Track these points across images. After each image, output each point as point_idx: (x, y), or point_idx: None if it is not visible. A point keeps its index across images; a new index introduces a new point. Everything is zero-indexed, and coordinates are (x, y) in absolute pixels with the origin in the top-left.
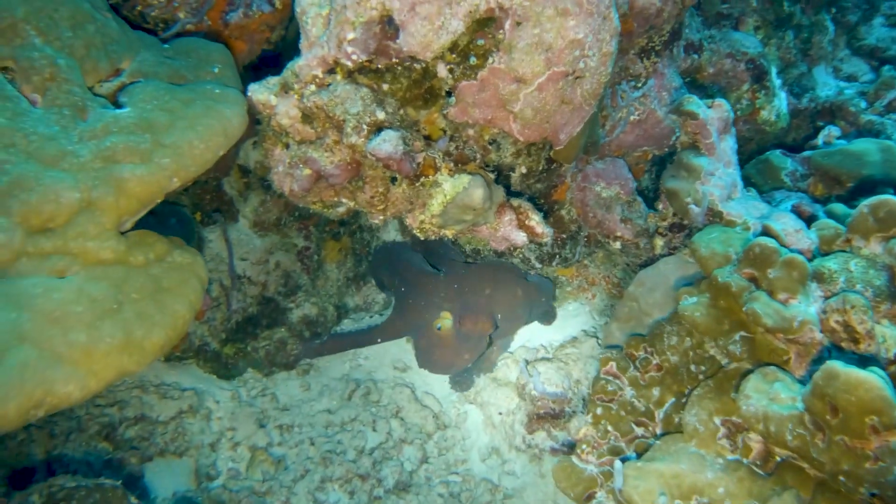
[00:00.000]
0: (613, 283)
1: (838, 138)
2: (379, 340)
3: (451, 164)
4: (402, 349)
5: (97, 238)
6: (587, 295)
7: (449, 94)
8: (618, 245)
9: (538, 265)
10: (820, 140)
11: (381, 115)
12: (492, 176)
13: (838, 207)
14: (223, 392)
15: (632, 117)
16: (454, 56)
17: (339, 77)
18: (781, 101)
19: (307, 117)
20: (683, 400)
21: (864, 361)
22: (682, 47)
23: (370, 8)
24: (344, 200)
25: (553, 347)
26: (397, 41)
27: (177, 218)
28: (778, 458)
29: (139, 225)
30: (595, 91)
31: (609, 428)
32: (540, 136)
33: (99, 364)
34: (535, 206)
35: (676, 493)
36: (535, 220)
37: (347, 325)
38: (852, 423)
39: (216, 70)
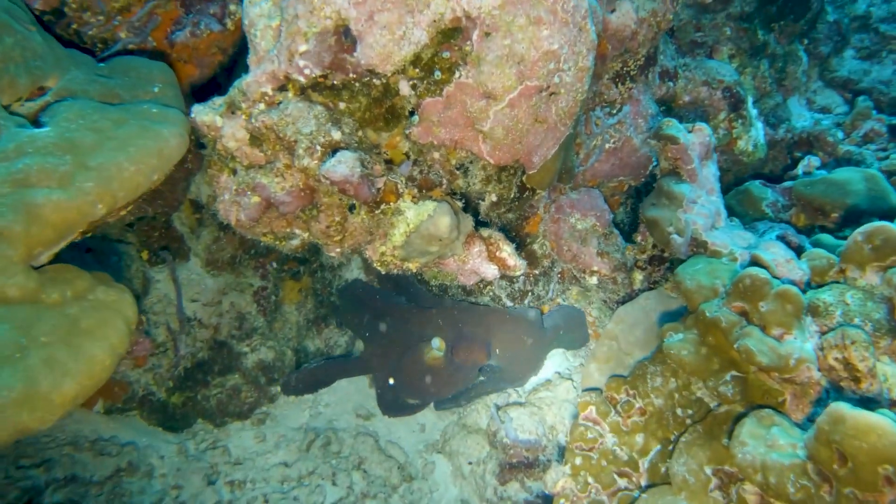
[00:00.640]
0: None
1: (818, 168)
2: (356, 373)
3: (415, 191)
4: (364, 395)
5: (1, 273)
6: None
7: (412, 113)
8: (594, 280)
9: (509, 303)
10: (800, 170)
11: (336, 135)
12: (459, 204)
13: (825, 238)
14: (168, 446)
15: (607, 145)
16: (417, 71)
17: (290, 94)
18: (758, 130)
19: (256, 139)
20: (670, 447)
21: (865, 403)
22: (658, 74)
23: (324, 17)
24: (297, 231)
25: (526, 391)
26: (354, 54)
27: (118, 256)
28: None
29: (69, 260)
30: (571, 109)
31: (589, 480)
32: (512, 159)
33: None
34: (506, 236)
35: None
36: (506, 251)
37: None
38: (863, 474)
39: (156, 90)
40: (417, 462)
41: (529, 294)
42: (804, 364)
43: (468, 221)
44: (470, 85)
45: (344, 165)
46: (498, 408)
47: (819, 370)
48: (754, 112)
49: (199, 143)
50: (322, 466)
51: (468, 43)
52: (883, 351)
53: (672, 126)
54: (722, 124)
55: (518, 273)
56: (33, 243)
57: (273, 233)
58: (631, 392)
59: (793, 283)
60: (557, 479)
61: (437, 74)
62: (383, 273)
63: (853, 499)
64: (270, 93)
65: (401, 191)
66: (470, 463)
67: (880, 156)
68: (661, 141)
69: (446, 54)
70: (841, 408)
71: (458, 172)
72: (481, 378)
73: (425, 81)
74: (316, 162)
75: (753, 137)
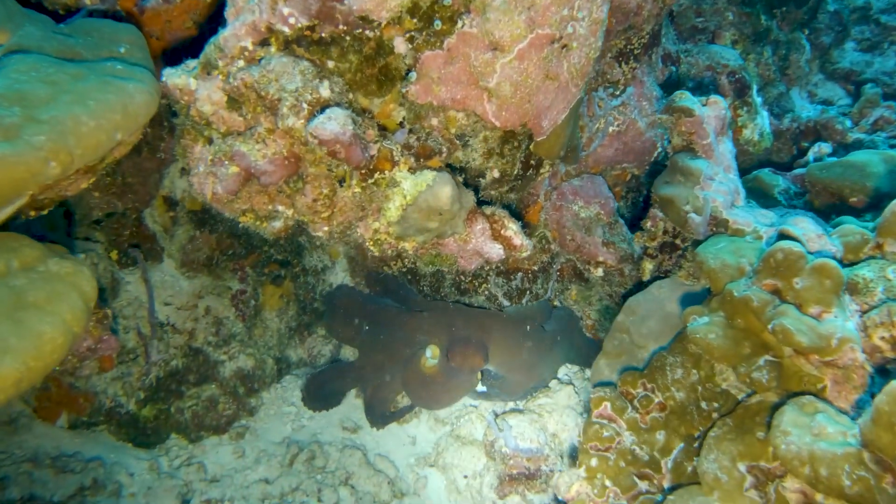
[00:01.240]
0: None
1: (829, 155)
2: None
3: (412, 160)
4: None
5: None
6: None
7: (409, 72)
8: (600, 272)
9: (506, 302)
10: (810, 157)
11: (325, 93)
12: (459, 179)
13: (849, 220)
14: (139, 462)
15: (611, 128)
16: (415, 21)
17: (273, 49)
18: (764, 119)
19: (234, 101)
20: (696, 444)
21: None
22: (661, 57)
23: None
24: (280, 209)
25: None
26: (345, 1)
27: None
28: None
29: None
30: (584, 68)
31: (607, 483)
32: (519, 121)
33: None
34: (511, 213)
35: None
36: (512, 228)
37: (289, 381)
38: None
39: (122, 50)
40: (409, 476)
41: (527, 293)
42: (848, 344)
43: (470, 196)
44: (474, 35)
45: (334, 122)
46: (496, 415)
47: (863, 352)
48: (759, 100)
49: (171, 112)
50: (307, 482)
51: None
52: None
53: (686, 98)
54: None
55: (525, 254)
56: None
57: (253, 210)
58: (649, 386)
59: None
60: (571, 482)
61: (438, 24)
62: (371, 275)
63: None
64: (251, 48)
65: (396, 159)
66: (466, 476)
67: (893, 144)
68: (674, 114)
69: (447, 1)
70: None
71: (457, 143)
72: (482, 388)
73: (424, 32)
74: (302, 121)
75: (759, 126)
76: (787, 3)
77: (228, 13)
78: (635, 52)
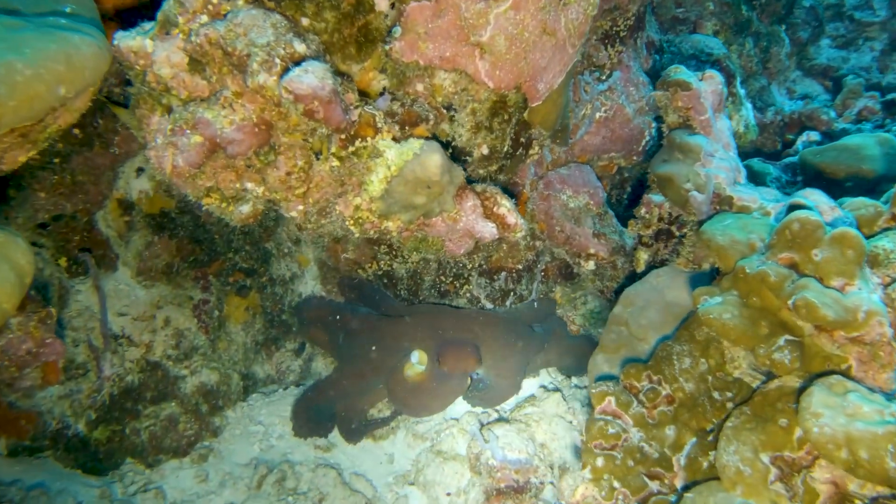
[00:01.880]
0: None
1: (817, 143)
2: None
3: (396, 128)
4: None
5: None
6: None
7: (393, 28)
8: (591, 265)
9: (489, 305)
10: (799, 145)
11: (300, 48)
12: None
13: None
14: (89, 490)
15: (598, 114)
16: None
17: (240, 2)
18: (748, 111)
19: (196, 63)
20: (710, 438)
21: None
22: (645, 44)
23: None
24: (250, 187)
25: (509, 408)
26: None
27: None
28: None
29: None
30: (581, 26)
31: (615, 484)
32: (514, 81)
33: None
34: (504, 191)
35: None
36: (505, 206)
37: (257, 399)
38: None
39: (68, 10)
40: (387, 496)
41: (511, 294)
42: (875, 318)
43: (459, 171)
44: None
45: (312, 75)
46: (481, 426)
47: (890, 326)
48: (743, 91)
49: (125, 81)
50: None
51: None
52: None
53: (681, 71)
54: None
55: (519, 234)
56: None
57: (219, 190)
58: (655, 378)
59: None
60: (576, 485)
61: None
62: (345, 280)
63: None
64: (215, 1)
65: (379, 125)
66: (448, 494)
67: None
68: (669, 88)
69: None
70: None
71: (444, 112)
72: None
73: None
74: (274, 78)
75: (744, 117)
76: None
77: None
78: (621, 34)
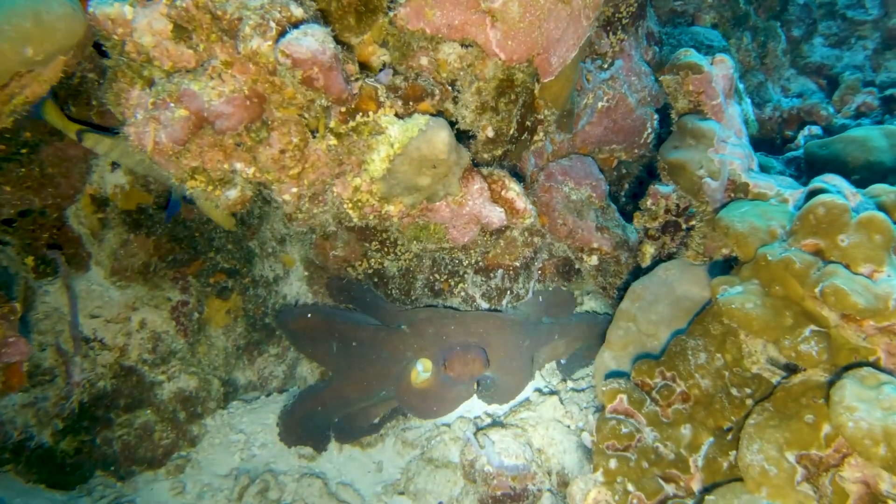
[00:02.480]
0: None
1: (819, 137)
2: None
3: (399, 103)
4: None
5: None
6: None
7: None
8: (594, 260)
9: (484, 304)
10: (801, 139)
11: (297, 12)
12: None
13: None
14: None
15: (600, 104)
16: None
17: None
18: (748, 106)
19: (182, 30)
20: (728, 437)
21: None
22: (645, 35)
23: None
24: (239, 167)
25: (502, 414)
26: None
27: None
28: None
29: None
30: None
31: (629, 487)
32: (527, 53)
33: None
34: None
35: None
36: (514, 189)
37: (237, 407)
38: None
39: None
40: None
41: (507, 293)
42: None
43: (465, 153)
44: None
45: (311, 38)
46: (476, 430)
47: None
48: (742, 86)
49: (101, 52)
50: None
51: None
52: None
53: (692, 54)
54: None
55: (528, 220)
56: None
57: (205, 171)
58: (668, 374)
59: None
60: (587, 489)
61: None
62: (334, 282)
63: None
64: None
65: (381, 99)
66: (441, 503)
67: None
68: (679, 72)
69: None
70: None
71: (450, 90)
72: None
73: None
74: (269, 43)
75: (745, 112)
76: None
77: None
78: (623, 21)
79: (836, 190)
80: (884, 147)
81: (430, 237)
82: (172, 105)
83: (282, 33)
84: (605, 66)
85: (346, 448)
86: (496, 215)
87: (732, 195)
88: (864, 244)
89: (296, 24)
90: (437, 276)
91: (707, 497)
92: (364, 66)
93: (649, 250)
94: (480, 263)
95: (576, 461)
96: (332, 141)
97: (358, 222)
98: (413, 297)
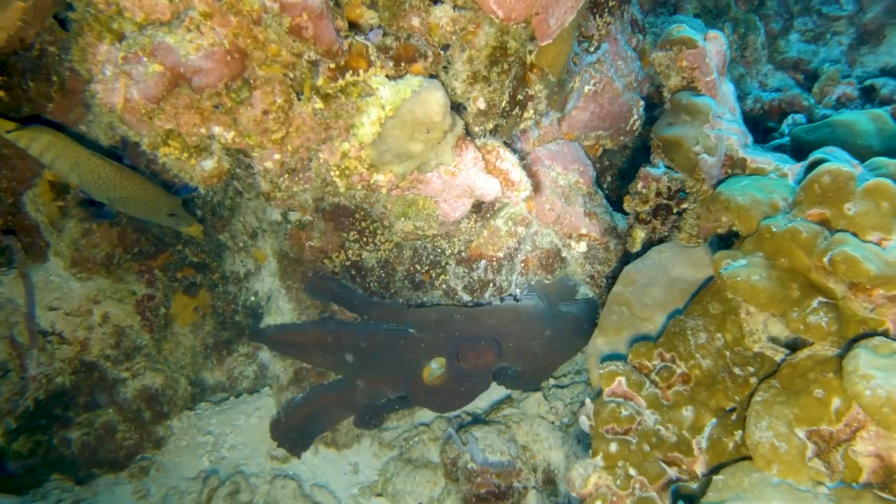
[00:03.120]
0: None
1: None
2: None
3: (390, 64)
4: None
5: None
6: None
7: None
8: (582, 247)
9: (466, 297)
10: (785, 128)
11: None
12: None
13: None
14: None
15: (586, 87)
16: None
17: None
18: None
19: None
20: (733, 417)
21: None
22: (629, 22)
23: None
24: (217, 132)
25: (483, 410)
26: None
27: None
28: None
29: None
30: None
31: (631, 471)
32: (525, 12)
33: None
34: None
35: None
36: (509, 160)
37: (205, 408)
38: None
39: None
40: None
41: (490, 285)
42: None
43: (459, 120)
44: None
45: None
46: (458, 428)
47: None
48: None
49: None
50: None
51: None
52: None
53: (685, 29)
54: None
55: (523, 193)
56: None
57: (180, 136)
58: (667, 356)
59: None
60: (587, 475)
61: None
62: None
63: None
64: None
65: (371, 58)
66: None
67: None
68: (673, 47)
69: None
70: None
71: (442, 55)
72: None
73: None
74: None
75: None
76: None
77: None
78: (610, 3)
79: (836, 159)
80: (871, 131)
81: (419, 213)
82: (145, 59)
83: None
84: (592, 48)
85: (322, 449)
86: (491, 186)
87: (729, 171)
88: (872, 212)
89: None
90: (417, 266)
91: (715, 477)
92: (352, 27)
93: (640, 235)
94: (463, 253)
95: (562, 458)
96: (319, 104)
97: (344, 192)
98: (392, 291)
